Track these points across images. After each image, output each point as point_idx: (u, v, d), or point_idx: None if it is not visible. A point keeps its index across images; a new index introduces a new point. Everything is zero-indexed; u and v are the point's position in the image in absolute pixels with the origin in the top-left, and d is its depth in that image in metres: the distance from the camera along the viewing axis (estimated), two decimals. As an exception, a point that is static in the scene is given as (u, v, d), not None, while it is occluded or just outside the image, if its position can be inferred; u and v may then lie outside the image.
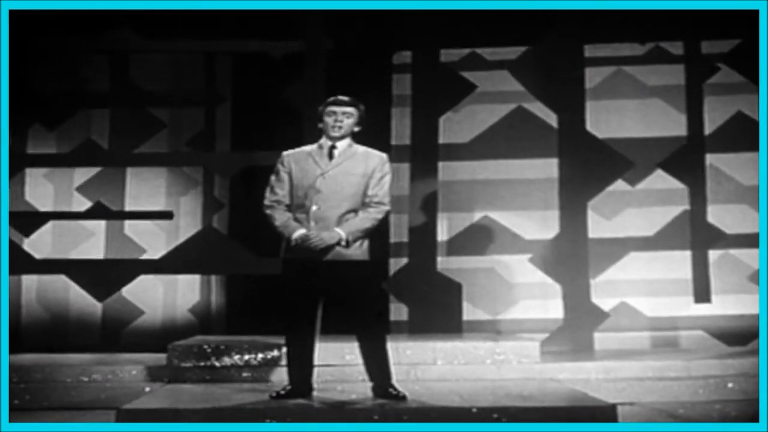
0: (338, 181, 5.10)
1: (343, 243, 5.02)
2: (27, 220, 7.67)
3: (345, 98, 5.20)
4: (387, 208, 5.17)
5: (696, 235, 7.55)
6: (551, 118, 7.74)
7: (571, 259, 7.58)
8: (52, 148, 7.78)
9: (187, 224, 7.73)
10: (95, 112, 7.82)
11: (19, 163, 7.58)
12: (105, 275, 7.58)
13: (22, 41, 7.20)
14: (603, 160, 7.66)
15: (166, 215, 7.61)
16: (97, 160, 7.75)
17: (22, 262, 7.41)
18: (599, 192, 7.65)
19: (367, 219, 5.10)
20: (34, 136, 7.78)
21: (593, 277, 7.55)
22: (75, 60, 7.87)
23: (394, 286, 7.63)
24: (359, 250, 5.09)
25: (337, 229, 5.03)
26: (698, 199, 7.60)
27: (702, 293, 7.53)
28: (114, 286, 7.64)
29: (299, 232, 5.04)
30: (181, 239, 7.71)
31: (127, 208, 7.74)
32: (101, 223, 7.74)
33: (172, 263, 7.58)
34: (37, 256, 7.58)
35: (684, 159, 7.64)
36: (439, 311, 7.55)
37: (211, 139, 7.82)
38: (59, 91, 7.82)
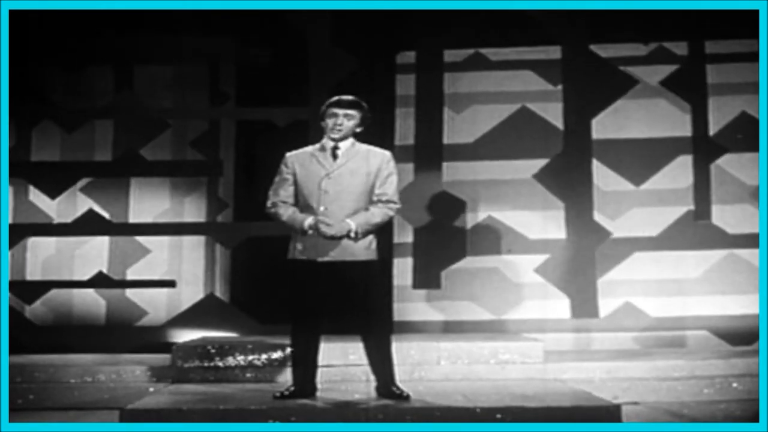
0: (344, 181, 5.10)
1: (353, 235, 5.01)
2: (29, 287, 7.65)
3: (348, 99, 5.16)
4: (398, 206, 5.18)
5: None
6: (555, 119, 7.73)
7: (577, 259, 7.57)
8: (53, 216, 7.73)
9: (190, 292, 7.67)
10: (97, 181, 7.77)
11: (21, 232, 7.61)
12: (107, 341, 7.43)
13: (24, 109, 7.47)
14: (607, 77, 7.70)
15: (169, 284, 7.63)
16: (98, 229, 7.69)
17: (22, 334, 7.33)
18: (603, 109, 7.65)
19: (377, 214, 5.09)
20: (36, 202, 7.75)
21: (599, 277, 7.56)
22: (77, 128, 7.82)
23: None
24: (367, 250, 5.09)
25: (348, 220, 5.03)
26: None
27: (703, 208, 7.51)
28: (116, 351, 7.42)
29: (309, 221, 5.04)
30: (184, 306, 7.66)
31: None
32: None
33: (173, 330, 7.54)
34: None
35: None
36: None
37: (213, 208, 7.75)
38: (61, 157, 7.80)
